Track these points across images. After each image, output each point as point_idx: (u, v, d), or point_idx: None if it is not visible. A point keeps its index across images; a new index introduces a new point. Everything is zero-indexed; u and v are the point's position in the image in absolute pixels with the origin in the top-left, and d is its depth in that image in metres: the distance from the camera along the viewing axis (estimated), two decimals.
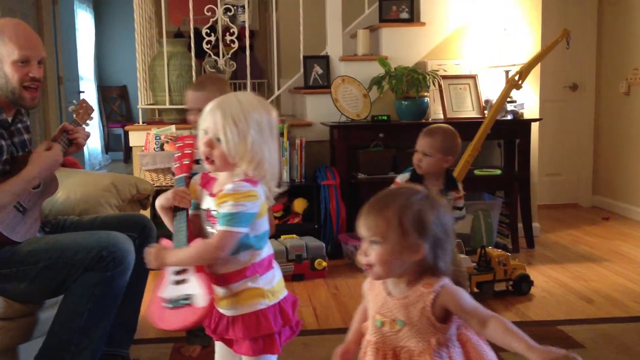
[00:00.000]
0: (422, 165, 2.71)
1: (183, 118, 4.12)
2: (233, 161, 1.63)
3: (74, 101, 2.48)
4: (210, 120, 1.63)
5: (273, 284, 1.73)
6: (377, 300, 1.51)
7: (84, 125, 2.44)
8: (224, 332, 1.72)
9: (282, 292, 1.75)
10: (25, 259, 2.06)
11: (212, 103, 1.65)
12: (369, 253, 1.45)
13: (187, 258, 1.65)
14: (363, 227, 1.46)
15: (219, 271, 1.70)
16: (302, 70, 4.54)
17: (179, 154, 1.84)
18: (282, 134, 4.16)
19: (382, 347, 1.50)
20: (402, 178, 2.82)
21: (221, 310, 1.73)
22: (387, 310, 1.48)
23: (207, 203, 1.70)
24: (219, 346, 1.82)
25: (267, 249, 1.74)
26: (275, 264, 1.78)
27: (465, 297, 1.45)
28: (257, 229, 1.67)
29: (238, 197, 1.59)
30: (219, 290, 1.72)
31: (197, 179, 1.76)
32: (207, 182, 1.73)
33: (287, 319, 1.73)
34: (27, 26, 2.20)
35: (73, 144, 2.31)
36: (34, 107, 2.24)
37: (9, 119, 2.21)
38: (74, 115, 2.41)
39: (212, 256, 1.63)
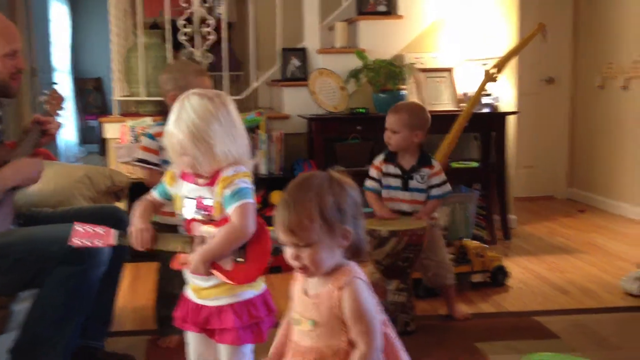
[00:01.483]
0: (391, 143, 2.82)
1: (159, 110, 4.08)
2: (219, 167, 1.70)
3: (45, 91, 2.44)
4: (178, 146, 1.68)
5: None
6: (296, 298, 1.51)
7: (55, 116, 2.41)
8: (206, 323, 1.74)
9: (263, 284, 1.80)
10: None
11: (172, 123, 1.69)
12: (301, 256, 1.40)
13: (218, 246, 1.67)
14: (287, 234, 1.40)
15: None
16: (279, 62, 4.52)
17: None
18: (259, 127, 4.14)
19: (300, 347, 1.47)
20: (377, 159, 2.91)
21: (203, 302, 1.74)
22: (302, 308, 1.47)
23: (196, 192, 1.73)
24: (192, 337, 1.83)
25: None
26: None
27: (362, 305, 1.39)
28: None
29: (241, 176, 1.69)
30: (201, 282, 1.74)
31: (175, 172, 1.79)
32: (186, 173, 1.76)
33: (270, 308, 1.79)
34: (5, 17, 2.18)
35: (46, 135, 2.28)
36: (16, 96, 2.22)
37: None
38: (46, 106, 2.38)
39: (241, 233, 1.66)
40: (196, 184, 1.73)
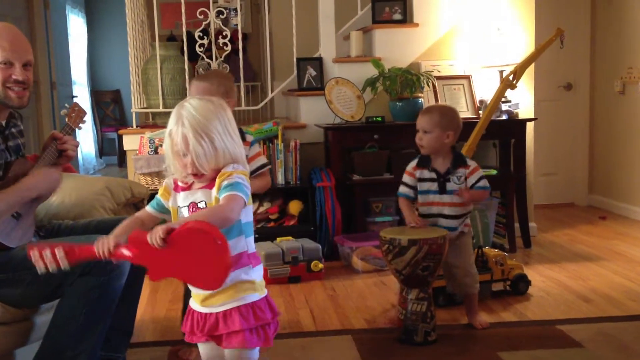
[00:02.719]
0: (423, 144, 2.80)
1: None
2: (218, 167, 1.70)
3: (66, 105, 2.46)
4: (180, 144, 1.69)
5: (262, 278, 1.80)
6: None
7: (77, 129, 2.43)
8: (214, 329, 1.74)
9: (265, 288, 1.81)
10: (20, 264, 2.04)
11: (174, 121, 1.72)
12: None
13: (208, 219, 1.62)
14: None
15: None
16: (295, 72, 4.53)
17: None
18: (276, 137, 4.15)
19: None
20: (410, 165, 2.90)
21: (209, 309, 1.74)
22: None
23: (190, 197, 1.74)
24: (202, 347, 1.83)
25: (253, 243, 1.80)
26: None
27: None
28: (246, 216, 1.74)
29: (240, 173, 1.70)
30: (204, 291, 1.73)
31: (170, 184, 1.79)
32: (178, 185, 1.77)
33: (274, 311, 1.79)
34: (15, 29, 2.19)
35: (63, 155, 2.29)
36: (23, 107, 2.22)
37: (3, 123, 2.20)
38: (67, 119, 2.40)
39: (223, 215, 1.64)
40: (190, 189, 1.74)
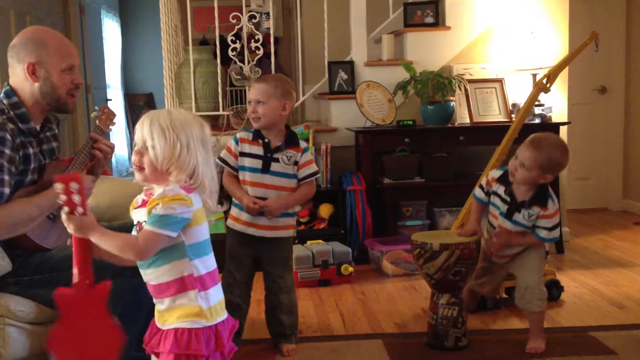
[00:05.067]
0: (516, 176, 2.57)
1: (209, 124, 4.13)
2: (162, 169, 1.64)
3: (96, 107, 2.51)
4: (139, 130, 1.67)
5: (212, 304, 1.69)
6: None
7: (107, 131, 2.47)
8: (156, 345, 1.69)
9: (223, 314, 1.71)
10: (57, 265, 2.09)
11: (143, 116, 1.69)
12: None
13: (111, 242, 1.62)
14: None
15: (152, 281, 1.69)
16: (326, 75, 4.54)
17: None
18: (307, 140, 4.16)
19: None
20: (494, 173, 2.72)
21: (160, 325, 1.70)
22: None
23: (138, 215, 1.70)
24: None
25: (209, 264, 1.71)
26: (219, 283, 1.74)
27: None
28: (192, 238, 1.66)
29: (167, 200, 1.58)
30: (158, 305, 1.71)
31: (138, 199, 1.75)
32: (144, 203, 1.71)
33: (220, 343, 1.68)
34: (60, 34, 2.25)
35: (96, 158, 2.33)
36: (72, 111, 2.30)
37: (37, 127, 2.24)
38: (97, 122, 2.44)
39: (133, 251, 1.60)
40: (143, 206, 1.69)
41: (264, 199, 2.57)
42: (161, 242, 1.60)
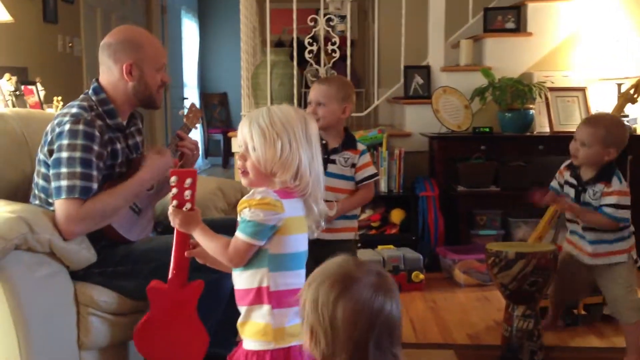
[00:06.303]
0: (578, 156, 2.57)
1: None
2: (266, 171, 1.57)
3: (185, 105, 2.57)
4: (240, 133, 1.62)
5: (287, 324, 1.56)
6: None
7: (193, 129, 2.53)
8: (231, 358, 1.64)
9: (300, 338, 1.46)
10: (140, 257, 2.14)
11: (244, 117, 1.64)
12: None
13: (209, 243, 1.62)
14: None
15: (236, 285, 1.63)
16: (402, 80, 4.51)
17: None
18: (380, 144, 4.15)
19: None
20: (564, 164, 2.72)
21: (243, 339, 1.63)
22: None
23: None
24: None
25: (292, 281, 1.58)
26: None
27: None
28: (277, 248, 1.56)
29: (252, 204, 1.52)
30: (241, 312, 1.64)
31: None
32: None
33: None
34: (153, 35, 2.34)
35: (182, 155, 2.39)
36: (159, 107, 2.38)
37: (124, 122, 2.31)
38: (184, 119, 2.50)
39: (225, 257, 1.58)
40: None
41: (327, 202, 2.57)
42: (250, 251, 1.55)
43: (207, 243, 1.63)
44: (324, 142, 2.60)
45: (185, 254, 1.77)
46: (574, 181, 2.64)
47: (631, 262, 2.64)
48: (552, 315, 2.92)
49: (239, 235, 1.55)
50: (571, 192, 2.64)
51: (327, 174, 2.57)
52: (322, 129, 2.59)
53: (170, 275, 1.70)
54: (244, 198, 1.57)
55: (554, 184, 2.76)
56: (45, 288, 2.01)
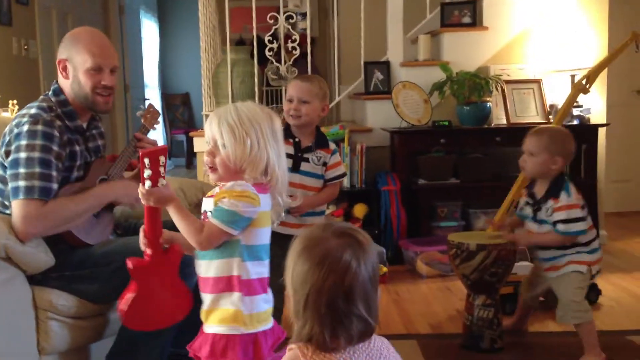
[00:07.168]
0: (527, 168, 2.61)
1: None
2: (235, 167, 1.62)
3: (142, 106, 2.54)
4: (208, 130, 1.64)
5: (256, 311, 1.63)
6: None
7: (151, 130, 2.51)
8: (198, 348, 1.66)
9: (266, 323, 1.65)
10: (98, 260, 2.13)
11: (211, 114, 1.66)
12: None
13: (183, 221, 1.62)
14: None
15: (201, 274, 1.66)
16: (362, 76, 4.55)
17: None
18: (342, 140, 4.18)
19: None
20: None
21: (204, 327, 1.66)
22: None
23: (206, 204, 1.67)
24: None
25: (261, 270, 1.65)
26: (269, 292, 1.69)
27: None
28: (250, 239, 1.62)
29: (233, 195, 1.57)
30: (204, 301, 1.67)
31: (214, 191, 1.73)
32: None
33: (259, 354, 1.61)
34: (102, 35, 2.27)
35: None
36: (107, 112, 2.30)
37: (84, 125, 2.28)
38: (142, 120, 2.48)
39: (195, 238, 1.59)
40: (209, 196, 1.70)
41: (290, 197, 2.59)
42: (222, 238, 1.59)
43: (181, 220, 1.63)
44: (297, 140, 2.61)
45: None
46: (530, 200, 2.64)
47: (588, 275, 2.60)
48: (519, 316, 2.89)
49: (214, 221, 1.57)
50: (529, 211, 2.64)
51: (300, 172, 2.59)
52: (301, 127, 2.61)
53: (146, 251, 1.69)
54: (223, 189, 1.61)
55: (519, 210, 2.73)
56: (2, 294, 1.99)
